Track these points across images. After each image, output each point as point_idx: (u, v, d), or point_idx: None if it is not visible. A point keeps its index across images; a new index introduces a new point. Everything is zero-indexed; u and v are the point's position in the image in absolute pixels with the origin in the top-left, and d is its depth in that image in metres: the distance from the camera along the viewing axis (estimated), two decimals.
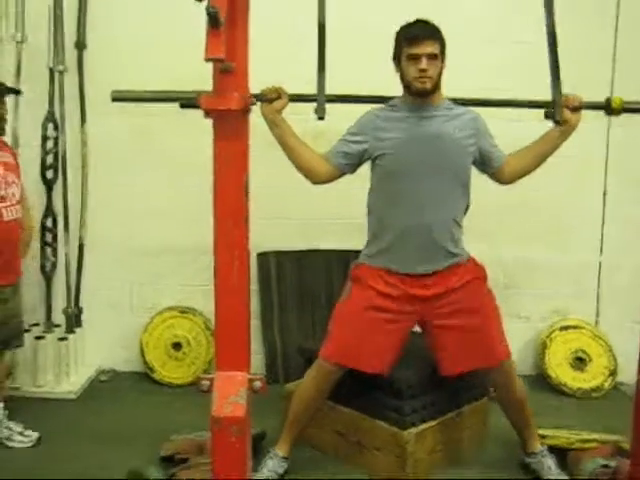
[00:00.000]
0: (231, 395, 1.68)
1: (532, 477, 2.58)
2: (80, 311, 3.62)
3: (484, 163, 2.53)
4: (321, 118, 2.17)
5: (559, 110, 2.16)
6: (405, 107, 2.45)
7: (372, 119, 2.48)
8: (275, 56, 3.08)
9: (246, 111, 1.73)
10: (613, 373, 3.56)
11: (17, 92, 3.08)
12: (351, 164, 2.49)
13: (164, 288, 3.66)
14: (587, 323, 3.69)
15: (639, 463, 1.90)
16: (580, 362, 3.58)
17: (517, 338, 3.08)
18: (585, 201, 3.66)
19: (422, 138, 2.42)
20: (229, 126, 1.69)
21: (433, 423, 2.60)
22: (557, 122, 2.15)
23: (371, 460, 2.60)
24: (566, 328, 3.64)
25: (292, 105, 2.35)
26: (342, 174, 2.51)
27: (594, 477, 2.40)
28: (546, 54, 2.20)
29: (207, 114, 1.68)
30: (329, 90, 2.19)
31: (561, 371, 3.56)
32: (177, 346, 3.60)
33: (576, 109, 2.34)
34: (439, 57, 2.36)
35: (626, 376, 3.54)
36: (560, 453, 2.63)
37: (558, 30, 2.19)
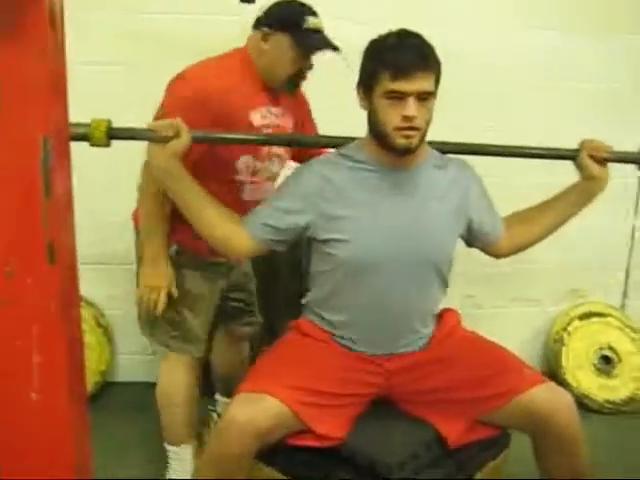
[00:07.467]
0: None
1: None
2: None
3: (474, 237, 1.75)
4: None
5: None
6: (372, 165, 1.61)
7: (318, 181, 1.60)
8: None
9: None
10: None
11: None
12: (283, 241, 1.64)
13: None
14: (613, 308, 2.78)
15: None
16: (606, 363, 2.68)
17: (521, 328, 2.54)
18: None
19: (395, 222, 1.61)
20: None
21: None
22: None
23: None
24: (588, 316, 2.72)
25: None
26: (271, 250, 1.67)
27: None
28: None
29: None
30: None
31: (583, 376, 2.66)
32: None
33: (605, 161, 1.64)
34: (432, 94, 1.50)
35: None
36: None
37: None
